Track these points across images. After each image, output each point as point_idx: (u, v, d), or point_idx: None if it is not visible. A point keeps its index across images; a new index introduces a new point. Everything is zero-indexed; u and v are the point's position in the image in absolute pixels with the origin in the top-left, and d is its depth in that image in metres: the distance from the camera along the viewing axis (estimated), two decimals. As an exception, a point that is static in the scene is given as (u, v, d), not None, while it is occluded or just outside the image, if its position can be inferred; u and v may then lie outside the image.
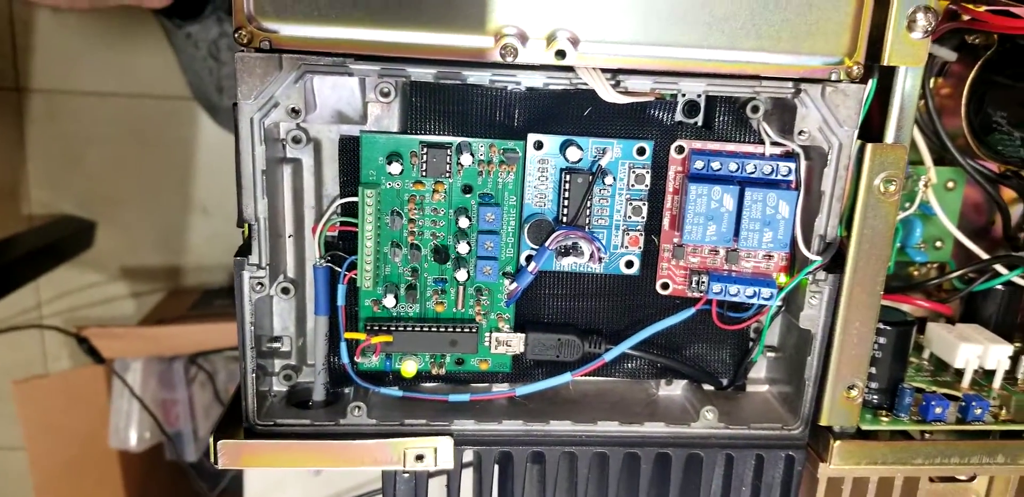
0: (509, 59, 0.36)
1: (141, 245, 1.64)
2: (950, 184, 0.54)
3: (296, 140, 0.39)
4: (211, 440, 0.40)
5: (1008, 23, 0.43)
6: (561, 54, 0.36)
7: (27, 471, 1.43)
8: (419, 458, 0.41)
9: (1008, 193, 0.54)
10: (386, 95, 0.39)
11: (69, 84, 1.54)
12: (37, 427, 1.41)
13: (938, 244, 0.55)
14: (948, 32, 0.47)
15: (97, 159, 1.57)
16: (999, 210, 0.54)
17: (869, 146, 0.40)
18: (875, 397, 0.46)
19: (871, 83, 0.39)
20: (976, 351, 0.49)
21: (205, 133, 1.58)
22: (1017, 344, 0.53)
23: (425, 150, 0.40)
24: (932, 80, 0.50)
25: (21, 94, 1.54)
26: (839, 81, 0.38)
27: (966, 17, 0.45)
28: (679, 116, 0.42)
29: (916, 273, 0.56)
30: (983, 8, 0.44)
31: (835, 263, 0.41)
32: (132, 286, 1.66)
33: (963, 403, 0.46)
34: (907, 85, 0.39)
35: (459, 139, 0.40)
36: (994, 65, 0.48)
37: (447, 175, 0.40)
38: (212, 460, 0.40)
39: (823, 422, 0.44)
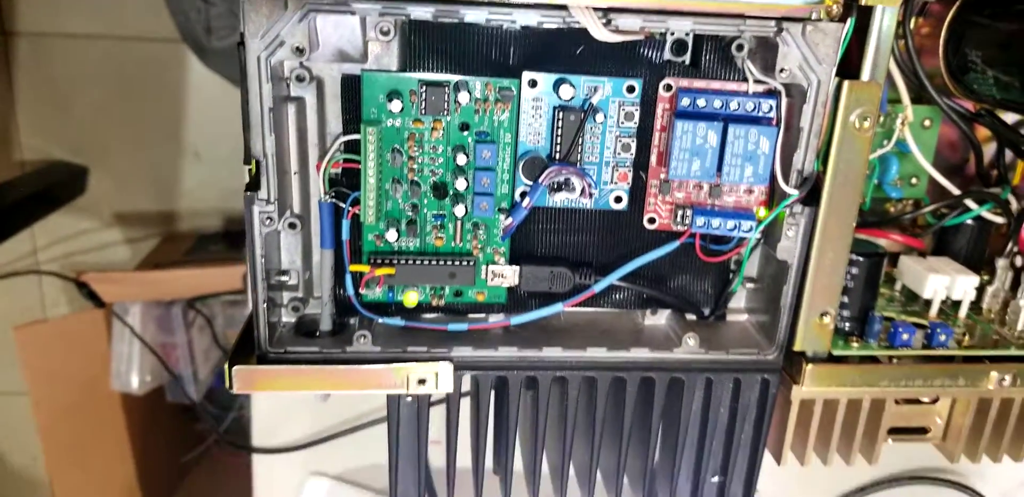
0: (504, -3, 0.38)
1: (134, 190, 1.65)
2: (927, 122, 0.56)
3: (300, 78, 0.41)
4: (226, 366, 0.43)
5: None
6: (554, -7, 0.38)
7: (30, 415, 1.47)
8: (421, 382, 0.44)
9: (982, 132, 0.56)
10: (386, 34, 0.41)
11: (55, 27, 1.53)
12: (39, 372, 1.44)
13: (913, 181, 0.57)
14: (929, -28, 0.48)
15: (86, 104, 1.57)
16: (972, 148, 0.56)
17: (846, 83, 0.42)
18: (847, 324, 0.49)
19: (849, 22, 0.41)
20: (944, 282, 0.52)
21: (194, 76, 1.58)
22: (984, 276, 0.56)
23: (424, 88, 0.42)
24: (913, 20, 0.52)
25: (7, 38, 1.53)
26: (819, 20, 0.40)
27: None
28: (667, 55, 0.43)
29: (892, 209, 0.59)
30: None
31: (811, 196, 0.44)
32: (126, 232, 1.67)
33: (929, 330, 0.49)
34: (883, 24, 0.41)
35: (456, 77, 0.42)
36: (973, 5, 0.50)
37: (445, 113, 0.42)
38: (227, 385, 0.43)
39: (797, 347, 0.47)
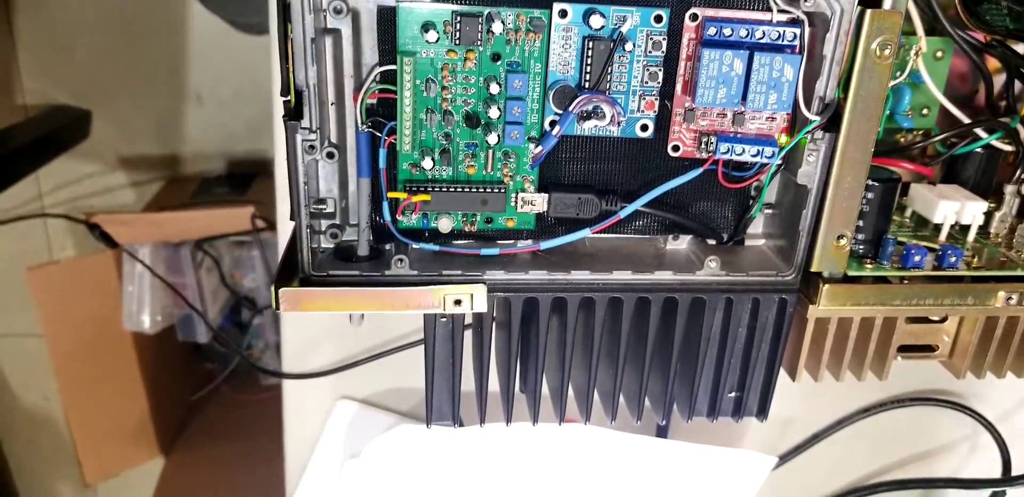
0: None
1: (137, 134, 1.65)
2: (939, 54, 0.57)
3: (337, 10, 0.42)
4: (272, 288, 0.45)
5: None
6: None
7: (42, 356, 1.50)
8: (457, 302, 0.46)
9: (993, 63, 0.57)
10: (420, -33, 0.42)
11: (53, -31, 1.52)
12: (51, 312, 1.46)
13: (924, 111, 0.59)
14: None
15: (87, 47, 1.57)
16: (983, 78, 0.57)
17: (868, 12, 0.43)
18: (861, 247, 0.51)
19: (873, -50, 0.42)
20: (954, 207, 0.54)
21: (196, 19, 1.57)
22: (991, 203, 0.58)
23: (458, 19, 0.43)
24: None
25: (7, -18, 1.52)
26: (843, -51, 0.41)
27: None
28: (694, -17, 0.45)
29: (903, 139, 0.60)
30: None
31: (832, 123, 0.46)
32: (131, 175, 1.68)
33: (940, 252, 0.51)
34: (905, -46, 0.42)
35: (489, 8, 0.43)
36: (988, -63, 0.51)
37: (478, 44, 0.44)
38: (274, 307, 0.45)
39: (814, 268, 0.49)
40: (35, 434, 1.81)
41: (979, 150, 0.57)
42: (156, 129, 1.66)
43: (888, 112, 0.58)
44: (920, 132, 0.60)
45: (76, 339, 1.49)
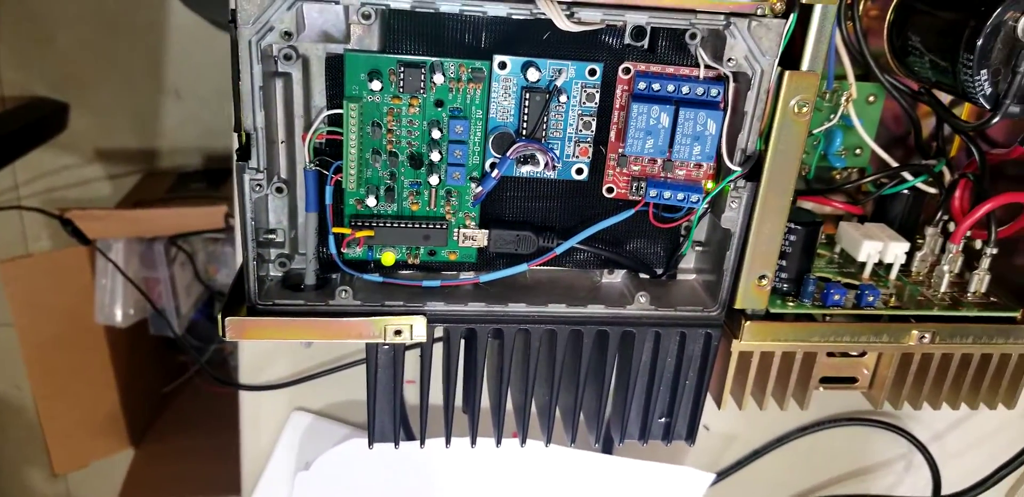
0: (477, -8, 0.41)
1: (115, 128, 1.66)
2: (871, 98, 0.60)
3: (287, 57, 0.45)
4: (219, 316, 0.47)
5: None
6: (522, -12, 0.42)
7: (14, 346, 1.51)
8: (397, 333, 0.49)
9: (924, 108, 0.60)
10: (367, 18, 0.44)
11: (36, -36, 1.52)
12: (24, 305, 1.47)
13: (857, 151, 0.62)
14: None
15: (67, 41, 1.57)
16: (912, 123, 0.61)
17: (787, 73, 0.46)
18: (784, 285, 0.54)
19: (791, 18, 0.45)
20: (877, 247, 0.57)
21: (175, 16, 1.58)
22: (919, 240, 0.61)
23: (402, 69, 0.45)
24: (862, 3, 0.56)
25: (-13, -26, 1.52)
26: (764, 16, 0.44)
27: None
28: (627, 39, 0.47)
29: (838, 176, 0.63)
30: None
31: (753, 173, 0.48)
32: (108, 168, 1.69)
33: (859, 291, 0.54)
34: (823, 21, 0.45)
35: (432, 59, 0.46)
36: (916, -8, 0.53)
37: (421, 91, 0.46)
38: (220, 334, 0.47)
39: (737, 306, 0.52)
40: (5, 422, 1.82)
41: (906, 191, 0.60)
42: (134, 123, 1.67)
43: (822, 152, 0.61)
44: (854, 170, 0.63)
45: (48, 332, 1.51)
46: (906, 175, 0.59)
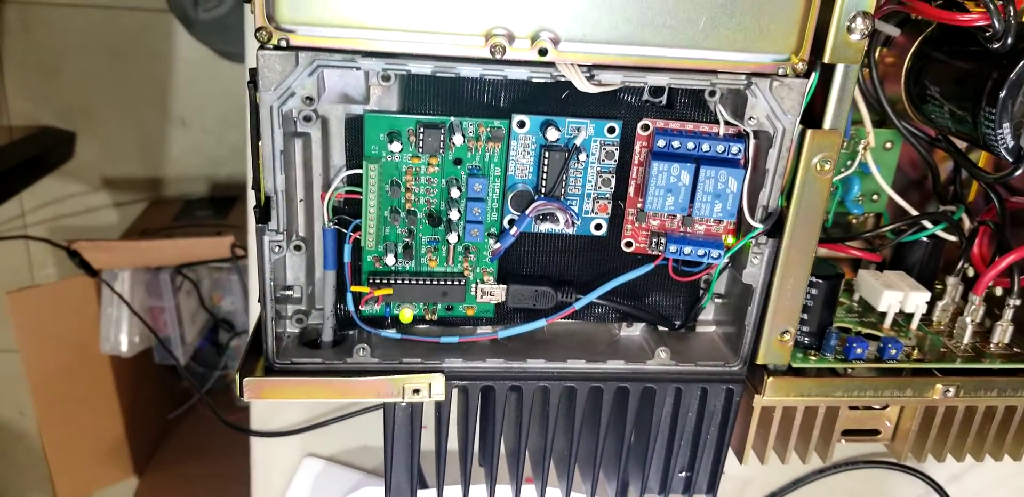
0: (498, 56, 0.41)
1: (121, 156, 1.67)
2: (888, 144, 0.60)
3: (307, 118, 0.44)
4: (237, 376, 0.47)
5: (939, 14, 0.48)
6: (543, 52, 0.41)
7: (18, 371, 1.50)
8: (416, 392, 0.49)
9: (941, 153, 0.60)
10: (387, 79, 0.44)
11: (43, -5, 1.53)
12: (30, 335, 1.47)
13: (875, 197, 0.61)
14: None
15: (74, 70, 1.58)
16: (930, 169, 0.60)
17: (809, 132, 0.45)
18: (806, 339, 0.54)
19: (813, 77, 0.44)
20: (898, 297, 0.56)
21: (181, 46, 1.58)
22: (938, 286, 0.61)
23: (422, 129, 0.45)
24: (878, 50, 0.56)
25: (-5, 6, 1.53)
26: (785, 76, 0.44)
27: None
28: (646, 96, 0.47)
29: (854, 221, 0.63)
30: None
31: (775, 229, 0.48)
32: (114, 196, 1.69)
33: (881, 344, 0.54)
34: (844, 80, 0.44)
35: (451, 119, 0.45)
36: (933, 41, 0.53)
37: (441, 151, 0.46)
38: (238, 394, 0.47)
39: (759, 361, 0.51)
40: (9, 448, 1.82)
41: (925, 239, 0.60)
42: (140, 151, 1.68)
43: (839, 199, 0.61)
44: (871, 215, 0.63)
45: (54, 361, 1.50)
46: (925, 223, 0.59)
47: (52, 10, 1.55)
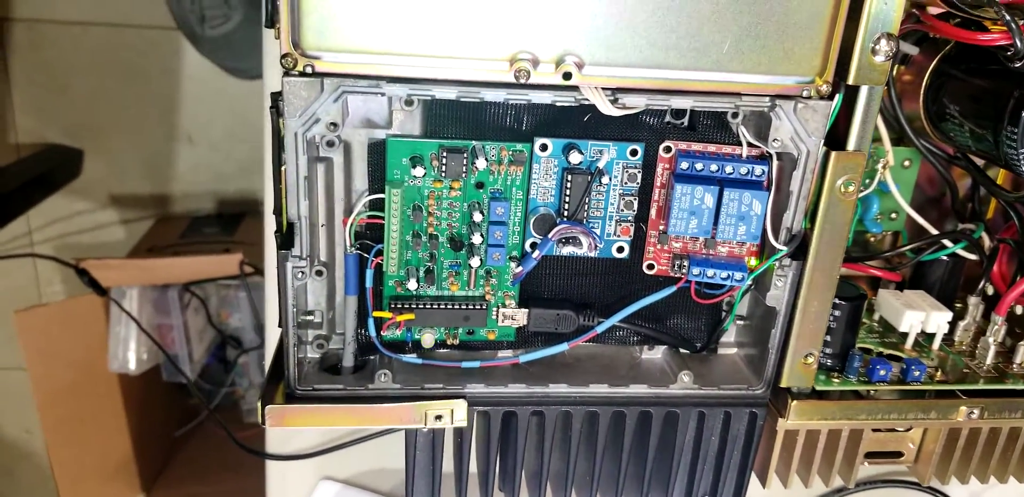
0: (522, 80, 0.41)
1: (128, 173, 1.67)
2: (906, 163, 0.60)
3: (330, 144, 0.44)
4: (259, 404, 0.46)
5: (960, 34, 0.48)
6: (568, 76, 0.41)
7: (25, 390, 1.50)
8: (438, 418, 0.48)
9: (959, 170, 0.60)
10: (410, 104, 0.44)
11: (51, 14, 1.54)
12: (38, 353, 1.47)
13: (893, 216, 0.61)
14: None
15: (82, 88, 1.58)
16: (949, 186, 0.60)
17: (833, 154, 0.45)
18: (829, 361, 0.53)
19: (837, 99, 0.44)
20: (919, 317, 0.56)
21: (188, 62, 1.59)
22: (958, 305, 0.61)
23: (444, 153, 0.45)
24: (895, 68, 0.55)
25: (3, 24, 1.54)
26: (809, 98, 0.44)
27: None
28: (667, 117, 0.47)
29: (872, 239, 0.63)
30: (935, 11, 0.49)
31: (799, 251, 0.48)
32: (121, 213, 1.69)
33: (904, 366, 0.53)
34: (869, 102, 0.44)
35: (474, 143, 0.45)
36: (952, 59, 0.53)
37: (463, 175, 0.46)
38: (260, 421, 0.46)
39: (783, 384, 0.51)
40: (16, 466, 1.81)
41: (944, 257, 0.59)
42: (147, 168, 1.68)
43: (858, 218, 0.61)
44: (889, 233, 0.63)
45: (62, 379, 1.50)
46: (945, 242, 0.59)
47: (60, 28, 1.55)
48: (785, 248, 0.47)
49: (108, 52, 1.57)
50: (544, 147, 0.46)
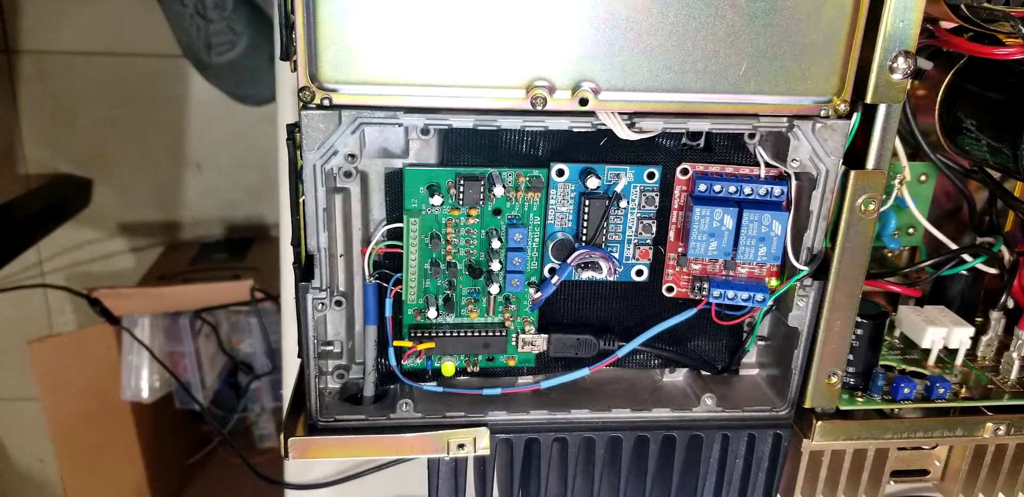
0: (539, 107, 0.41)
1: (137, 202, 1.67)
2: (923, 177, 0.59)
3: (347, 174, 0.44)
4: (281, 437, 0.46)
5: (975, 48, 0.48)
6: (584, 102, 0.41)
7: (38, 420, 1.50)
8: (461, 446, 0.48)
9: (976, 184, 0.59)
10: (426, 133, 0.44)
11: (58, 45, 1.55)
12: (52, 383, 1.47)
13: (910, 231, 0.61)
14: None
15: (89, 118, 1.59)
16: (966, 200, 0.60)
17: (852, 173, 0.45)
18: (852, 379, 0.53)
19: (855, 117, 0.44)
20: (941, 333, 0.55)
21: (195, 90, 1.60)
22: (979, 319, 0.60)
23: (461, 181, 0.45)
24: (909, 83, 0.55)
25: (10, 56, 1.55)
26: (827, 117, 0.44)
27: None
28: (684, 140, 0.47)
29: (890, 255, 0.62)
30: (948, 25, 0.49)
31: (820, 271, 0.47)
32: (131, 241, 1.69)
33: (928, 383, 0.53)
34: (887, 120, 0.44)
35: (490, 170, 0.45)
36: (966, 73, 0.53)
37: (480, 202, 0.45)
38: (283, 454, 0.46)
39: (807, 405, 0.50)
40: (30, 496, 1.80)
41: (964, 272, 0.59)
42: (156, 196, 1.68)
43: (875, 234, 0.60)
44: (907, 248, 0.62)
45: (75, 409, 1.50)
46: (965, 256, 0.58)
47: (66, 59, 1.56)
48: (806, 268, 0.47)
49: (115, 82, 1.58)
50: (561, 172, 0.46)
